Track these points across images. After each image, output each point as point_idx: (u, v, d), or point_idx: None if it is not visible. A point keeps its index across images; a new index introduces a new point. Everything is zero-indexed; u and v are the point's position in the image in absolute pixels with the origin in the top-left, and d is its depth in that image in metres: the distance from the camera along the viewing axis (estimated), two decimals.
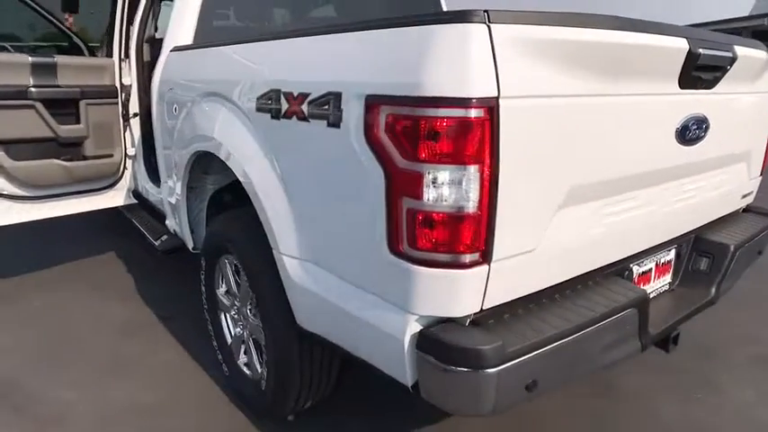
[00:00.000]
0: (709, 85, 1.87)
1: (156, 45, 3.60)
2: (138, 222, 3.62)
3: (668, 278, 2.16)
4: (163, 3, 3.63)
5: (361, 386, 2.58)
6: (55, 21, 4.05)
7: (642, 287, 1.93)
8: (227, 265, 2.40)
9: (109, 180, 3.64)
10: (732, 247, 2.15)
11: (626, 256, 1.83)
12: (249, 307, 2.29)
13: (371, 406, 2.50)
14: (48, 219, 3.47)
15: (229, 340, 2.54)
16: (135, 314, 3.38)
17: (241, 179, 1.99)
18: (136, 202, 3.82)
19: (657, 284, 2.10)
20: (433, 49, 1.28)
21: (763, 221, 2.46)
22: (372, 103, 1.39)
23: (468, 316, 1.42)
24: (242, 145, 1.97)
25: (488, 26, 1.25)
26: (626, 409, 2.49)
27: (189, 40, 2.85)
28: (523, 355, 1.37)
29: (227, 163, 2.06)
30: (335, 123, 1.52)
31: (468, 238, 1.33)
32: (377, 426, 2.37)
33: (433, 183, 1.30)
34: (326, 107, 1.54)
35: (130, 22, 3.57)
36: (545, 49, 1.34)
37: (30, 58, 3.21)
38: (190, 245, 2.84)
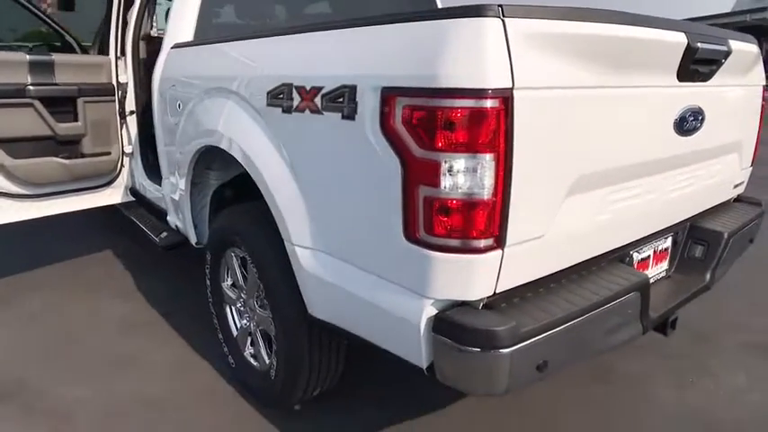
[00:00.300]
0: (705, 77, 1.94)
1: (152, 42, 3.63)
2: (136, 219, 3.63)
3: (665, 265, 2.24)
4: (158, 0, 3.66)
5: (366, 374, 2.63)
6: (46, 18, 4.04)
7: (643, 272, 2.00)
8: (234, 258, 2.44)
9: (106, 178, 3.65)
10: (726, 235, 2.23)
11: (627, 242, 1.90)
12: (257, 299, 2.32)
13: (376, 393, 2.56)
14: (42, 218, 3.47)
15: (235, 332, 2.58)
16: (135, 311, 3.39)
17: (251, 173, 2.02)
18: (133, 199, 3.83)
19: (655, 271, 2.17)
20: (449, 42, 1.33)
21: (753, 210, 2.55)
22: (388, 95, 1.44)
23: (481, 299, 1.48)
24: (252, 139, 2.01)
25: (503, 20, 1.31)
26: (621, 393, 2.57)
27: (189, 38, 2.88)
28: (535, 335, 1.44)
29: (236, 157, 2.10)
30: (350, 116, 1.56)
31: (483, 223, 1.38)
32: (383, 412, 2.42)
33: (450, 171, 1.36)
34: (341, 100, 1.59)
35: (126, 19, 3.58)
36: (555, 43, 1.40)
37: (27, 57, 3.22)
38: (193, 240, 2.87)
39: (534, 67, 1.37)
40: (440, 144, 1.35)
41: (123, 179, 3.74)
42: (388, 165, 1.46)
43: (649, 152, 1.83)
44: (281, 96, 1.84)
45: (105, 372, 2.75)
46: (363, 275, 1.67)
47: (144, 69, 3.57)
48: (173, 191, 2.91)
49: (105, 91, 3.52)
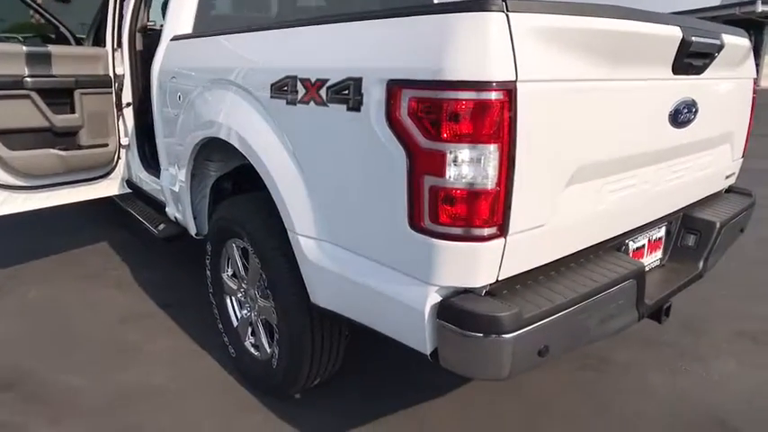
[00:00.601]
0: (699, 71, 1.99)
1: (149, 34, 3.64)
2: (134, 211, 3.65)
3: (659, 253, 2.29)
4: None
5: (364, 361, 2.68)
6: (41, 10, 4.03)
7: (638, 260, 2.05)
8: (235, 248, 2.47)
9: (103, 169, 3.67)
10: (718, 224, 2.28)
11: (623, 231, 1.95)
12: (258, 289, 2.36)
13: (374, 380, 2.61)
14: (38, 210, 3.48)
15: (236, 323, 2.61)
16: (134, 302, 3.42)
17: (254, 164, 2.05)
18: (130, 191, 3.84)
19: (650, 259, 2.23)
20: (454, 35, 1.37)
21: (744, 201, 2.60)
22: (394, 87, 1.47)
23: (484, 286, 1.52)
24: (255, 131, 2.03)
25: (507, 14, 1.34)
26: (615, 380, 2.63)
27: (188, 30, 2.89)
28: (537, 321, 1.48)
29: (239, 149, 2.12)
30: (356, 107, 1.59)
31: (486, 212, 1.42)
32: (381, 399, 2.47)
33: (455, 161, 1.39)
34: (346, 92, 1.62)
35: (122, 11, 3.58)
36: (557, 36, 1.44)
37: (24, 48, 3.22)
38: (192, 231, 2.89)
39: (537, 60, 1.41)
40: (445, 135, 1.38)
41: (120, 171, 3.75)
42: (393, 155, 1.49)
43: (645, 143, 1.87)
44: (285, 89, 1.87)
45: (105, 361, 2.78)
46: (367, 264, 1.70)
47: (140, 61, 3.58)
48: (172, 182, 2.93)
49: (102, 83, 3.52)
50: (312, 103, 1.76)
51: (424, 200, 1.45)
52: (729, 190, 2.73)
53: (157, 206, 3.42)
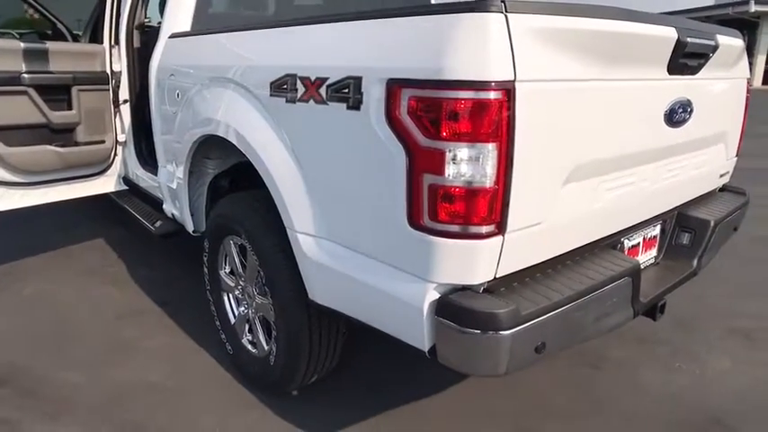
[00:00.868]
0: (694, 71, 2.01)
1: (146, 32, 3.64)
2: (130, 208, 3.65)
3: (654, 252, 2.31)
4: None
5: (361, 359, 2.69)
6: (38, 6, 4.03)
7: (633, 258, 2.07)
8: (233, 245, 2.48)
9: (100, 166, 3.66)
10: (712, 223, 2.31)
11: (619, 230, 1.97)
12: (256, 286, 2.37)
13: (371, 377, 2.62)
14: (35, 206, 3.47)
15: (233, 320, 2.62)
16: (130, 299, 3.42)
17: (253, 161, 2.06)
18: (126, 188, 3.84)
19: (645, 257, 2.25)
20: (454, 36, 1.38)
21: (738, 200, 2.63)
22: (394, 86, 1.48)
23: (482, 284, 1.54)
24: (254, 129, 2.04)
25: (506, 15, 1.36)
26: (611, 378, 2.65)
27: (186, 27, 2.89)
28: (534, 318, 1.50)
29: (239, 146, 2.13)
30: (355, 106, 1.61)
31: (485, 210, 1.44)
32: (378, 396, 2.49)
33: (454, 160, 1.41)
34: (346, 91, 1.63)
35: (120, 8, 3.58)
36: (555, 37, 1.46)
37: (22, 44, 3.21)
38: (190, 228, 2.90)
39: (535, 60, 1.42)
40: (444, 134, 1.40)
41: (117, 168, 3.75)
42: (392, 154, 1.51)
43: (641, 143, 1.89)
44: (284, 87, 1.88)
45: (103, 358, 2.78)
46: (366, 261, 1.72)
47: (137, 58, 3.58)
48: (170, 179, 2.94)
49: (99, 80, 3.52)
50: (312, 101, 1.77)
51: (423, 198, 1.46)
52: (723, 189, 2.76)
53: (154, 203, 3.43)
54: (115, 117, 3.63)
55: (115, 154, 3.70)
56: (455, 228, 1.46)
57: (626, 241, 2.10)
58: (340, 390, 2.52)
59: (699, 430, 2.31)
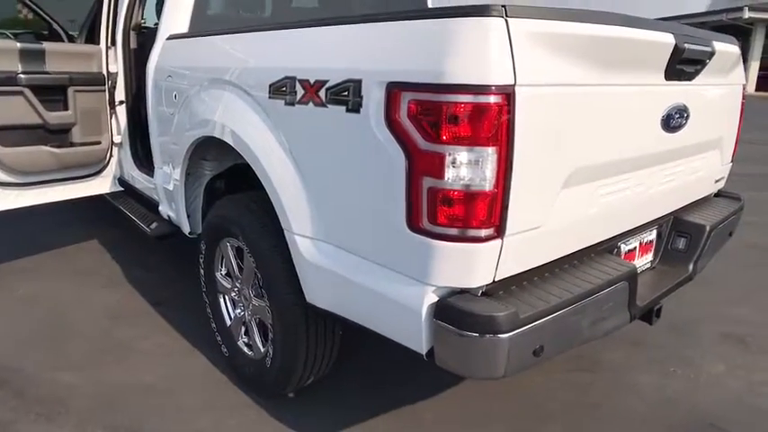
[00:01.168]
0: (690, 76, 2.03)
1: (143, 33, 3.63)
2: (126, 209, 3.64)
3: (650, 256, 2.33)
4: None
5: (356, 361, 2.69)
6: (34, 6, 4.03)
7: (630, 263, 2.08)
8: (229, 247, 2.47)
9: (96, 167, 3.65)
10: (708, 228, 2.32)
11: (615, 234, 1.98)
12: (252, 288, 2.36)
13: (367, 380, 2.62)
14: (29, 206, 3.46)
15: (229, 322, 2.62)
16: (125, 300, 3.41)
17: (251, 163, 2.06)
18: (121, 189, 3.83)
19: (641, 262, 2.26)
20: (455, 40, 1.39)
21: (733, 205, 2.65)
22: (393, 89, 1.49)
23: (481, 287, 1.55)
24: (253, 130, 2.04)
25: (506, 20, 1.37)
26: (606, 381, 2.66)
27: (184, 29, 2.89)
28: (533, 321, 1.50)
29: (237, 148, 2.13)
30: (355, 109, 1.61)
31: (484, 214, 1.44)
32: (373, 398, 2.48)
33: (453, 163, 1.41)
34: (346, 94, 1.64)
35: (116, 9, 3.57)
36: (555, 42, 1.47)
37: (18, 44, 3.20)
38: (186, 230, 2.89)
39: (535, 64, 1.43)
40: (444, 137, 1.40)
41: (112, 169, 3.74)
42: (392, 157, 1.51)
43: (638, 148, 1.91)
44: (283, 89, 1.89)
45: (97, 359, 2.77)
46: (365, 264, 1.72)
47: (134, 59, 3.58)
48: (166, 181, 2.93)
49: (96, 80, 3.51)
50: (311, 103, 1.77)
51: (422, 201, 1.47)
52: (718, 194, 2.77)
53: (149, 204, 3.42)
54: (111, 118, 3.62)
55: (111, 155, 3.69)
56: (454, 231, 1.46)
57: (622, 245, 2.11)
58: (337, 391, 2.52)
59: None
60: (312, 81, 1.76)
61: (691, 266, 2.31)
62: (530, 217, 1.56)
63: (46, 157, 3.37)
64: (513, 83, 1.38)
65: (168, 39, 2.88)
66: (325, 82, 1.71)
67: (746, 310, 3.40)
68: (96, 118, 3.57)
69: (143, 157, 3.56)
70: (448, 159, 1.41)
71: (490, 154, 1.40)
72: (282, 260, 2.05)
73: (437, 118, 1.40)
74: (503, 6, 1.36)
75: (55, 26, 4.29)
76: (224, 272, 2.61)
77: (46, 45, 3.33)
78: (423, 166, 1.45)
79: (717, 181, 2.62)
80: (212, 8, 3.22)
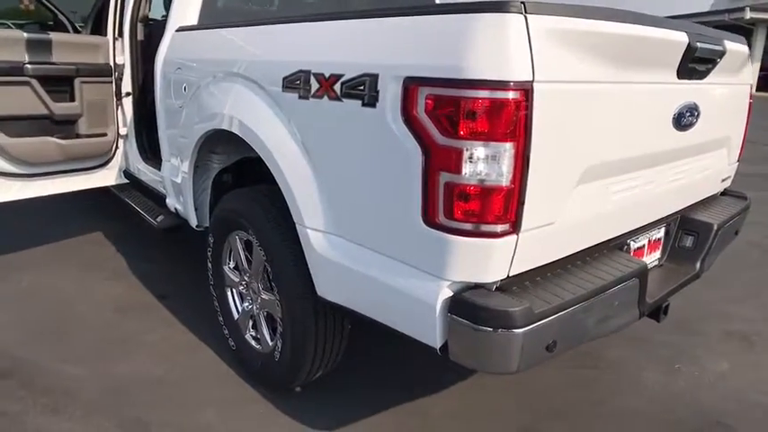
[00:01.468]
0: (702, 75, 2.03)
1: (150, 25, 3.63)
2: (132, 202, 3.64)
3: (658, 254, 2.33)
4: None
5: (364, 355, 2.70)
6: None
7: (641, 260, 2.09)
8: (238, 241, 2.47)
9: (101, 159, 3.65)
10: (716, 226, 2.33)
11: (626, 231, 1.99)
12: (262, 282, 2.37)
13: (374, 374, 2.63)
14: (32, 198, 3.45)
15: (236, 315, 2.62)
16: (129, 293, 3.41)
17: (263, 157, 2.06)
18: (127, 181, 3.83)
19: (649, 259, 2.27)
20: (474, 35, 1.39)
21: (739, 204, 2.66)
22: (411, 84, 1.49)
23: (495, 282, 1.55)
24: (265, 124, 2.04)
25: (525, 16, 1.37)
26: (611, 378, 2.68)
27: (194, 21, 2.89)
28: (547, 317, 1.51)
29: (248, 141, 2.13)
30: (371, 103, 1.61)
31: (500, 209, 1.45)
32: (381, 392, 2.49)
33: (471, 158, 1.42)
34: (362, 88, 1.64)
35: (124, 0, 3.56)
36: (572, 39, 1.47)
37: (25, 35, 3.19)
38: (194, 223, 2.89)
39: (552, 61, 1.43)
40: (462, 132, 1.41)
41: (118, 161, 3.74)
42: (408, 152, 1.52)
43: (650, 145, 1.91)
44: (297, 82, 1.89)
45: (103, 351, 2.78)
46: (378, 258, 1.72)
47: (141, 51, 3.57)
48: (174, 174, 2.93)
49: (102, 72, 3.51)
50: (325, 97, 1.78)
51: (438, 196, 1.47)
52: (724, 193, 2.78)
53: (155, 197, 3.42)
54: (117, 110, 3.61)
55: (116, 147, 3.69)
56: (470, 226, 1.46)
57: (632, 243, 2.12)
58: (343, 386, 2.53)
59: (699, 431, 2.34)
60: (327, 75, 1.77)
61: (698, 264, 2.32)
62: (545, 213, 1.56)
63: (52, 149, 3.36)
64: (531, 79, 1.38)
65: (178, 30, 2.87)
66: (341, 76, 1.71)
67: (749, 309, 3.41)
68: (102, 109, 3.56)
69: (149, 150, 3.56)
70: (465, 154, 1.41)
71: (508, 149, 1.41)
72: (293, 254, 2.06)
73: (455, 113, 1.41)
74: (522, 2, 1.37)
75: (60, 17, 4.27)
76: (232, 265, 2.61)
77: (53, 35, 3.32)
78: (440, 161, 1.45)
79: (723, 180, 2.63)
80: (221, 0, 3.21)
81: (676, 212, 2.31)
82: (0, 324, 3.01)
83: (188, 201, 2.84)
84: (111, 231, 4.43)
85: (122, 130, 3.65)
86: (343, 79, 1.70)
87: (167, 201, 3.13)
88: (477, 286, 1.55)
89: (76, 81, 3.41)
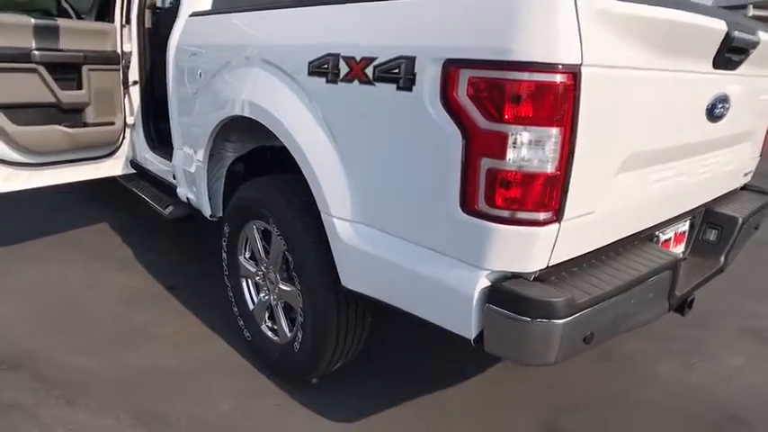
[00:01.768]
0: (735, 66, 1.99)
1: (157, 12, 3.57)
2: (140, 192, 3.58)
3: (682, 247, 2.31)
4: None
5: (382, 348, 2.66)
6: None
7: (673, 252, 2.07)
8: (255, 230, 2.43)
9: (109, 148, 3.59)
10: (740, 220, 2.31)
11: (657, 222, 1.96)
12: (280, 272, 2.32)
13: (391, 367, 2.59)
14: (32, 189, 3.38)
15: (252, 306, 2.58)
16: (138, 283, 3.36)
17: (287, 144, 2.01)
18: (134, 171, 3.77)
19: (675, 252, 2.24)
20: (520, 15, 1.34)
21: (760, 199, 2.63)
22: (451, 66, 1.44)
23: (535, 272, 1.51)
24: (289, 109, 1.99)
25: None
26: (627, 372, 2.66)
27: (207, 6, 2.83)
28: (587, 307, 1.48)
29: (271, 129, 2.07)
30: (407, 87, 1.56)
31: (544, 197, 1.41)
32: (398, 386, 2.45)
33: (515, 144, 1.38)
34: (397, 71, 1.59)
35: None
36: (619, 23, 1.43)
37: (32, 20, 3.12)
38: (207, 213, 2.84)
39: (600, 45, 1.39)
40: (507, 117, 1.36)
41: (125, 150, 3.68)
42: (447, 137, 1.47)
43: (685, 136, 1.88)
44: (325, 66, 1.83)
45: (115, 343, 2.73)
46: (409, 247, 1.68)
47: (149, 39, 3.51)
48: (187, 163, 2.88)
49: (110, 59, 3.44)
50: (356, 81, 1.73)
51: (479, 182, 1.43)
52: (744, 188, 2.76)
53: (163, 187, 3.37)
54: (125, 98, 3.55)
55: (124, 136, 3.63)
56: (512, 214, 1.43)
57: (660, 235, 2.09)
58: (360, 378, 2.49)
59: (715, 424, 2.32)
60: (358, 58, 1.71)
61: (722, 258, 2.30)
62: (586, 202, 1.53)
63: (59, 137, 3.29)
64: (579, 62, 1.34)
65: (191, 16, 2.81)
66: (374, 59, 1.66)
67: (764, 306, 3.39)
68: (110, 98, 3.50)
69: (156, 139, 3.50)
70: (510, 140, 1.37)
71: (554, 135, 1.37)
72: (316, 243, 2.02)
73: (500, 96, 1.36)
74: None
75: (63, 3, 4.19)
76: (248, 255, 2.56)
77: (60, 21, 3.24)
78: (482, 146, 1.41)
79: (745, 174, 2.61)
80: None
81: (701, 205, 2.28)
82: (9, 316, 2.95)
83: (202, 190, 2.78)
84: (116, 221, 4.36)
85: (129, 120, 3.58)
86: (376, 62, 1.65)
87: (178, 190, 3.07)
88: (514, 276, 1.51)
89: (84, 69, 3.33)
